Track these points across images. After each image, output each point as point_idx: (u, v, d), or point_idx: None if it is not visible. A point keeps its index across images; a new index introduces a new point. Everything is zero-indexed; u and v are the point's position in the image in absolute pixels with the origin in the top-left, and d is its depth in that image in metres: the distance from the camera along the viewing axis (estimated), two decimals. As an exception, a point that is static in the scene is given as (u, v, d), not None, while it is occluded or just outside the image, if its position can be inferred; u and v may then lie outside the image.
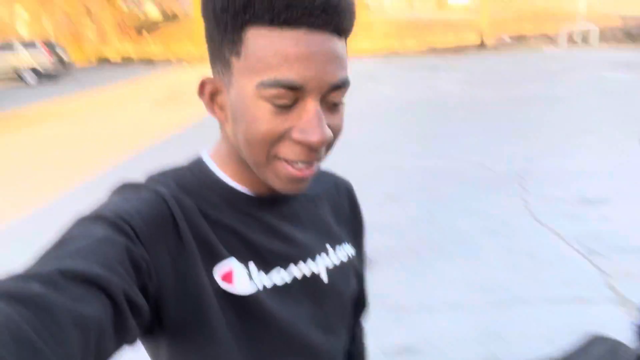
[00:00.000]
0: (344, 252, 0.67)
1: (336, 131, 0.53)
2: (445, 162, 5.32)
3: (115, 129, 8.04)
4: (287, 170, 0.52)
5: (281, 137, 0.50)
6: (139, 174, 0.58)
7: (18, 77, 15.42)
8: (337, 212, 0.71)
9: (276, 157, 0.52)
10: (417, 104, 8.97)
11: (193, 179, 0.58)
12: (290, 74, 0.47)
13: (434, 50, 19.56)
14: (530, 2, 21.74)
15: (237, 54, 0.49)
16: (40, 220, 4.11)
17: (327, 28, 0.48)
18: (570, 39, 18.36)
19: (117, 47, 23.19)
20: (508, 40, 20.52)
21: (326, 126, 0.50)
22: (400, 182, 4.77)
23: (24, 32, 25.62)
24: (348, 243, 0.69)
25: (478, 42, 19.72)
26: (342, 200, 0.73)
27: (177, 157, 0.67)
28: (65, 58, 16.22)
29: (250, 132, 0.50)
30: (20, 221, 4.22)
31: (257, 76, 0.48)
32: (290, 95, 0.48)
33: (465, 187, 4.55)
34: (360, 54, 19.30)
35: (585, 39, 18.63)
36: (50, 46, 15.99)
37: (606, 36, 19.15)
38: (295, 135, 0.49)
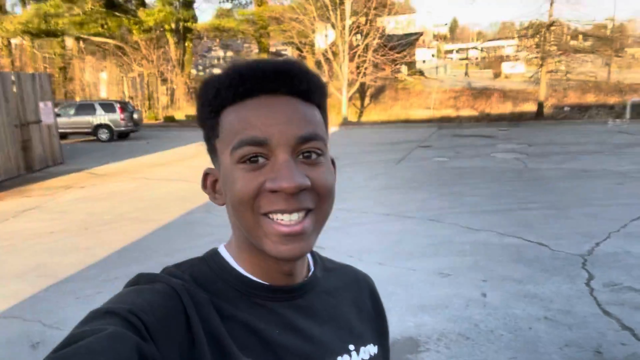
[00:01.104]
0: (368, 354, 0.64)
1: (320, 183, 0.54)
2: (501, 239, 5.09)
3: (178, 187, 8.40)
4: (274, 228, 0.53)
5: (258, 192, 0.53)
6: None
7: (94, 133, 16.71)
8: (359, 308, 0.69)
9: (260, 215, 0.53)
10: (471, 174, 8.79)
11: (208, 271, 0.59)
12: (253, 132, 0.52)
13: (490, 119, 19.41)
14: (592, 72, 21.32)
15: (217, 135, 0.56)
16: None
17: (284, 91, 0.54)
18: (636, 112, 17.66)
19: (185, 108, 24.79)
20: (568, 110, 20.06)
21: (299, 173, 0.52)
22: (453, 258, 4.59)
23: (104, 92, 28.08)
24: (373, 344, 0.66)
25: (536, 111, 19.40)
26: (363, 296, 0.71)
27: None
28: (136, 117, 17.48)
29: (233, 196, 0.54)
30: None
31: (230, 145, 0.54)
32: (259, 151, 0.52)
33: (522, 267, 4.30)
34: (416, 122, 19.45)
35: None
36: (124, 106, 17.34)
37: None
38: (269, 185, 0.52)
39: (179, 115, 23.47)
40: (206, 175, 0.61)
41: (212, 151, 0.59)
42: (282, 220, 0.53)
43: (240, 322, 0.56)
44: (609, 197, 6.71)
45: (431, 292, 3.88)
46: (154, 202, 7.35)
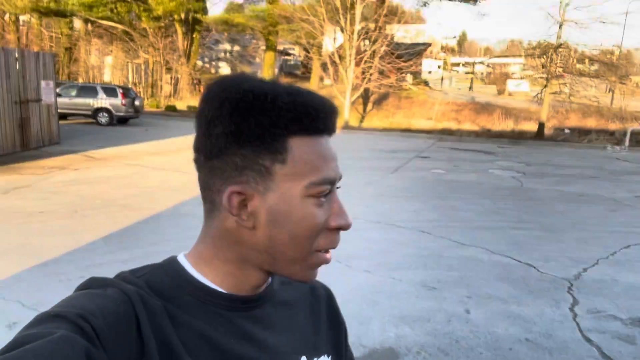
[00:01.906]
0: None
1: None
2: (490, 256, 5.08)
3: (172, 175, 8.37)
4: (323, 258, 0.58)
5: (323, 228, 0.56)
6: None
7: (93, 116, 16.65)
8: (315, 319, 0.69)
9: (315, 250, 0.56)
10: (466, 188, 8.79)
11: (165, 278, 0.58)
12: (330, 172, 0.56)
13: (490, 135, 19.45)
14: (595, 97, 21.40)
15: (282, 161, 0.54)
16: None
17: (334, 132, 0.60)
18: (635, 140, 17.73)
19: (187, 99, 24.75)
20: (568, 132, 20.12)
21: None
22: (440, 272, 4.57)
23: (108, 77, 28.01)
24: (327, 354, 0.68)
25: (536, 131, 19.45)
26: (320, 306, 0.71)
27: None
28: (137, 103, 17.42)
29: (299, 229, 0.55)
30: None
31: (305, 178, 0.54)
32: (328, 189, 0.56)
33: (507, 287, 4.29)
34: (416, 132, 19.47)
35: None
36: (126, 91, 17.28)
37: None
38: (332, 223, 0.56)
39: (181, 105, 23.42)
40: (232, 195, 0.54)
41: (255, 169, 0.54)
42: (328, 255, 0.58)
43: (194, 330, 0.55)
44: (602, 224, 6.72)
45: (415, 304, 3.86)
46: (146, 191, 7.31)
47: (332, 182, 0.56)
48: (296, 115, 0.53)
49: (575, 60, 21.54)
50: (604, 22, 18.99)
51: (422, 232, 5.85)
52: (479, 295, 4.08)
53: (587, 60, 22.68)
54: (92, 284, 0.54)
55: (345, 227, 0.57)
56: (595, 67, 22.97)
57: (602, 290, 4.29)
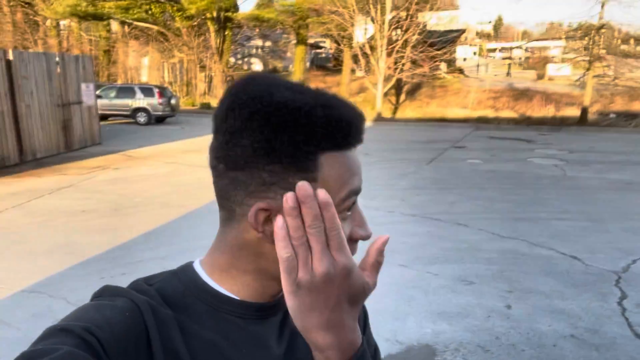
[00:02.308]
0: None
1: None
2: (531, 249, 4.90)
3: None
4: None
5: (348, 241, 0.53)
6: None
7: (132, 116, 17.14)
8: None
9: None
10: (505, 178, 8.53)
11: (178, 285, 0.57)
12: (357, 183, 0.54)
13: (530, 122, 18.79)
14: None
15: (313, 179, 0.51)
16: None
17: (362, 142, 0.57)
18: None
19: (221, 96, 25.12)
20: (614, 117, 19.19)
21: None
22: (478, 266, 4.45)
23: (145, 77, 28.76)
24: None
25: (579, 116, 18.65)
26: None
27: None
28: (174, 102, 17.80)
29: None
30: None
31: (335, 195, 0.51)
32: (354, 200, 0.54)
33: (551, 281, 4.13)
34: (451, 122, 19.06)
35: None
36: (162, 91, 17.69)
37: None
38: (356, 234, 0.55)
39: (215, 103, 23.72)
40: (258, 213, 0.52)
41: (283, 186, 0.51)
42: None
43: (205, 340, 0.55)
44: (651, 212, 6.37)
45: (452, 299, 3.77)
46: (183, 188, 7.46)
47: (357, 193, 0.55)
48: (330, 132, 0.51)
49: (619, 41, 20.49)
50: (650, -1, 17.94)
51: (459, 225, 5.71)
52: (520, 289, 3.95)
53: (632, 41, 21.54)
54: (104, 293, 0.55)
55: (366, 238, 0.56)
56: (641, 47, 21.79)
57: (654, 284, 4.06)
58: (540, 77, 35.63)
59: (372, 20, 20.08)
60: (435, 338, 3.19)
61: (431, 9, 21.18)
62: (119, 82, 26.60)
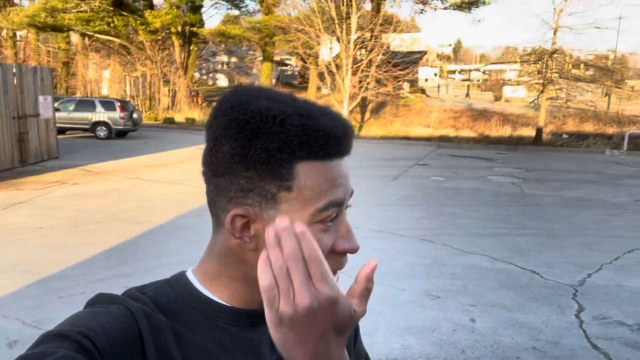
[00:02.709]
0: None
1: None
2: (493, 264, 5.05)
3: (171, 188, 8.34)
4: None
5: (328, 253, 0.53)
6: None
7: (92, 130, 16.65)
8: None
9: None
10: (466, 195, 8.78)
11: (171, 293, 0.58)
12: (339, 194, 0.53)
13: (488, 141, 19.48)
14: (592, 102, 21.48)
15: (288, 188, 0.52)
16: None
17: (349, 153, 0.57)
18: (633, 144, 17.77)
19: (185, 111, 24.79)
20: (566, 137, 20.16)
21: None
22: (443, 281, 4.54)
23: (106, 90, 28.07)
24: None
25: (534, 136, 19.49)
26: None
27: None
28: (136, 116, 17.43)
29: None
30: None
31: (311, 204, 0.52)
32: (335, 212, 0.53)
33: (512, 294, 4.26)
34: (414, 140, 19.50)
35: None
36: (124, 105, 17.30)
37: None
38: (340, 247, 0.54)
39: (179, 118, 23.44)
40: (236, 217, 0.53)
41: (260, 194, 0.52)
42: (336, 276, 0.55)
43: (199, 347, 0.55)
44: (603, 228, 6.70)
45: (419, 314, 3.83)
46: (146, 204, 7.28)
47: (339, 205, 0.53)
48: (305, 140, 0.51)
49: (570, 66, 21.65)
50: (598, 28, 19.12)
51: (424, 241, 5.82)
52: (484, 303, 4.05)
53: (582, 65, 22.80)
54: (98, 301, 0.55)
55: (352, 251, 0.55)
56: (590, 72, 23.09)
57: (608, 296, 4.26)
58: (498, 98, 37.06)
59: (338, 39, 20.45)
60: (404, 353, 3.23)
61: (394, 30, 21.77)
62: (78, 95, 25.85)
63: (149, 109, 25.53)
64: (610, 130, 21.74)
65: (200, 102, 26.55)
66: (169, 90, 26.06)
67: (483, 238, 6.01)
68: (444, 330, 3.56)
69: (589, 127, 22.40)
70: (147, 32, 25.21)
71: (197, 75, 35.03)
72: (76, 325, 0.49)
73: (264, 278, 0.45)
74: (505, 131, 21.51)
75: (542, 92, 19.69)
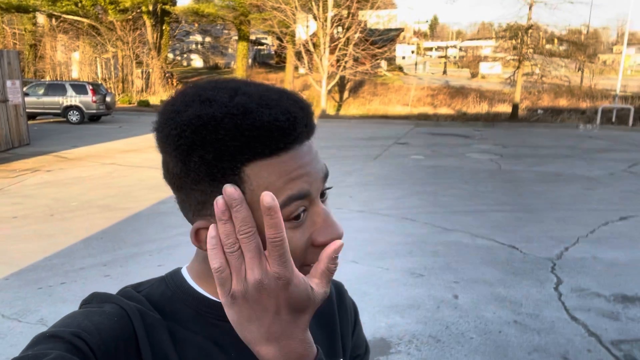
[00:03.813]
0: None
1: None
2: (473, 240, 5.14)
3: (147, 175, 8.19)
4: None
5: (306, 248, 0.50)
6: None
7: (64, 115, 16.17)
8: (327, 321, 0.67)
9: (304, 266, 0.51)
10: (445, 172, 8.87)
11: (166, 290, 0.58)
12: (297, 187, 0.48)
13: (466, 118, 19.66)
14: (566, 77, 21.83)
15: (242, 193, 0.48)
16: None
17: (309, 137, 0.51)
18: (605, 118, 18.17)
19: (160, 93, 24.25)
20: (541, 112, 20.48)
21: (337, 220, 0.51)
22: (426, 259, 4.60)
23: (76, 73, 27.21)
24: (343, 358, 0.68)
25: (510, 112, 19.74)
26: (331, 307, 0.69)
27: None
28: (109, 100, 16.97)
29: None
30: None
31: None
32: (302, 205, 0.49)
33: (493, 270, 4.35)
34: (393, 118, 19.54)
35: (620, 118, 18.43)
36: (96, 88, 16.81)
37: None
38: (319, 239, 0.50)
39: (154, 100, 22.93)
40: (198, 231, 0.51)
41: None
42: None
43: (194, 345, 0.55)
44: (579, 202, 6.87)
45: (403, 292, 3.87)
46: (124, 190, 7.14)
47: (301, 198, 0.49)
48: (244, 143, 0.46)
49: (544, 41, 21.87)
50: (572, 2, 19.32)
51: (405, 219, 5.87)
52: (466, 279, 4.13)
53: (556, 40, 23.06)
54: (92, 300, 0.55)
55: (332, 240, 0.51)
56: (564, 47, 23.40)
57: (585, 269, 4.38)
58: (474, 75, 37.34)
59: (315, 17, 20.17)
60: (389, 331, 3.27)
61: (371, 7, 21.57)
62: (48, 78, 25.00)
63: (122, 92, 24.89)
64: (584, 104, 22.18)
65: (175, 84, 26.01)
66: (142, 72, 25.40)
67: (463, 215, 6.09)
68: (428, 307, 3.62)
69: (563, 102, 22.80)
70: (116, 12, 24.40)
71: (171, 56, 34.20)
72: (69, 326, 0.48)
73: (215, 261, 0.45)
74: (483, 108, 21.75)
75: (517, 67, 19.89)
